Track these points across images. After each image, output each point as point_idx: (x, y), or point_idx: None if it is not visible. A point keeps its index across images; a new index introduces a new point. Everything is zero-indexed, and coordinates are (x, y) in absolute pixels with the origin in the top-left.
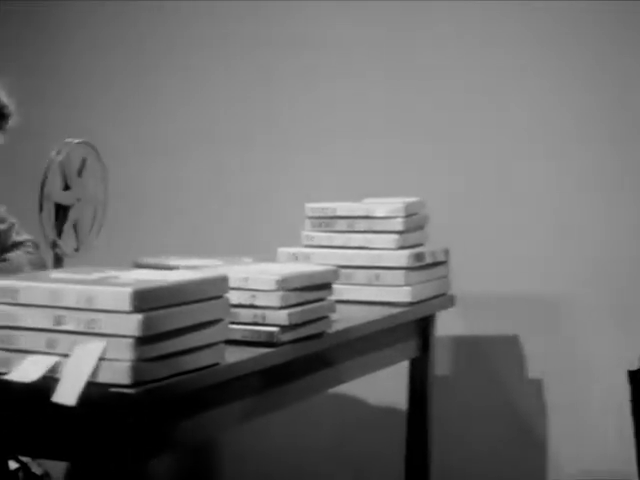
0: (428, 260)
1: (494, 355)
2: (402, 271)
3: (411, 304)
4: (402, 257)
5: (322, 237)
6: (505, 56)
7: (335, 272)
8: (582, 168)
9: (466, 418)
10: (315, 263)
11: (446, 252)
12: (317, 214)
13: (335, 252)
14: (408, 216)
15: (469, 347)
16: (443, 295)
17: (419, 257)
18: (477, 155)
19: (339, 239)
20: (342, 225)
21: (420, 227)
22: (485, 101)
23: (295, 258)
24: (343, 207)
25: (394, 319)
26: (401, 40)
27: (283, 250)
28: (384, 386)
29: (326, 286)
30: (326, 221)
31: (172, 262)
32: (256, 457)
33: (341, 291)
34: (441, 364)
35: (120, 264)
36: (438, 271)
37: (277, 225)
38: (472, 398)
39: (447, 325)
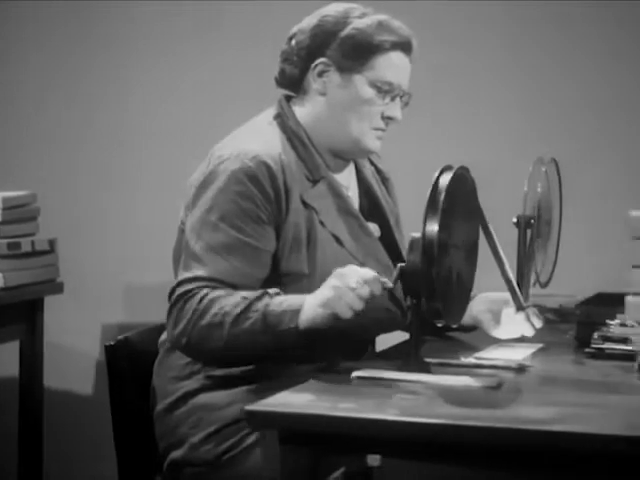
0: (26, 249)
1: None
2: None
3: (4, 289)
4: None
5: None
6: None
7: None
8: None
9: None
10: None
11: (52, 242)
12: None
13: None
14: (8, 208)
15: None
16: (50, 282)
17: (14, 246)
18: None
19: None
20: None
21: (29, 218)
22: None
23: None
24: None
25: None
26: None
27: None
28: None
29: None
30: None
31: None
32: None
33: None
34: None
35: None
36: (42, 260)
37: None
38: None
39: (109, 313)
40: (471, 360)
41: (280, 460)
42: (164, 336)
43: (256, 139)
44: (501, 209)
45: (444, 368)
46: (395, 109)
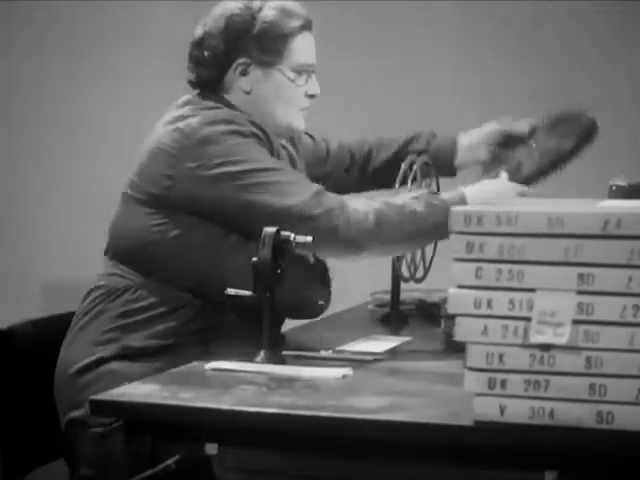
0: None
1: None
2: None
3: None
4: None
5: None
6: None
7: None
8: None
9: None
10: None
11: None
12: None
13: None
14: None
15: None
16: None
17: None
18: None
19: None
20: None
21: None
22: None
23: None
24: None
25: None
26: None
27: None
28: None
29: None
30: None
31: None
32: None
33: None
34: None
35: None
36: None
37: None
38: None
39: None
40: (329, 352)
41: (124, 447)
42: (80, 308)
43: (220, 110)
44: None
45: (299, 360)
46: (315, 86)
